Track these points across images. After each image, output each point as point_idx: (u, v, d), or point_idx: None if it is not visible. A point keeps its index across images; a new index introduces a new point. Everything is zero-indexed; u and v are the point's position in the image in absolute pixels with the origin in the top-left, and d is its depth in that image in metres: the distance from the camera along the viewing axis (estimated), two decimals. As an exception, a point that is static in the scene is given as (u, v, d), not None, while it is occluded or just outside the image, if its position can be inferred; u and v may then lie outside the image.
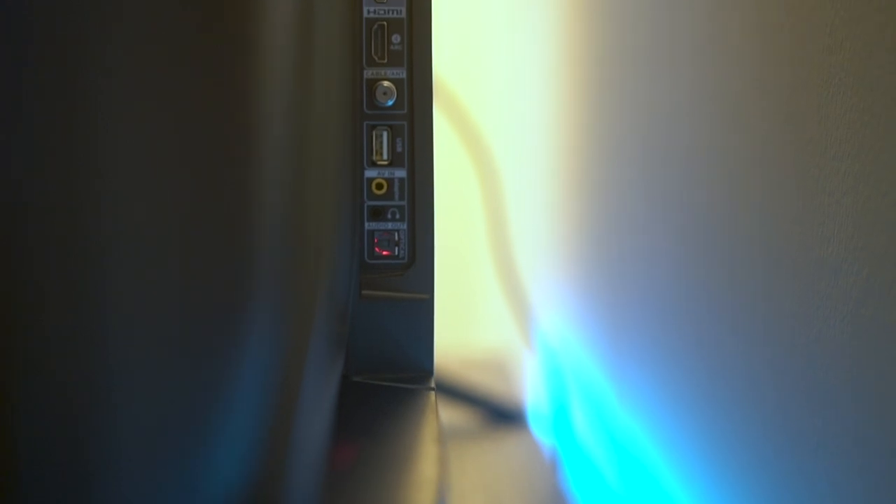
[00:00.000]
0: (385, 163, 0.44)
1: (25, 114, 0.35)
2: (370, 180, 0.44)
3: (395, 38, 0.43)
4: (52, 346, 0.34)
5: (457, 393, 0.78)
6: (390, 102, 0.43)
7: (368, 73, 0.43)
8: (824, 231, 0.35)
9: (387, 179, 0.44)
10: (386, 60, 0.43)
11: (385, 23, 0.43)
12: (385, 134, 0.44)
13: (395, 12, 0.43)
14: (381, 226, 0.44)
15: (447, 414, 0.78)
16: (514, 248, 0.87)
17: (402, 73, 0.43)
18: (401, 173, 0.44)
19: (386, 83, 0.43)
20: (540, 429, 0.79)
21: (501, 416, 0.79)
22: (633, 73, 0.58)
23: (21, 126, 0.35)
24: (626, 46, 0.60)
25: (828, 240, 0.35)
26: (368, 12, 0.43)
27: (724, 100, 0.43)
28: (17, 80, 0.34)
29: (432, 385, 0.43)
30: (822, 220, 0.35)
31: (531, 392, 0.85)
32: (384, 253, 0.44)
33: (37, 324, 0.34)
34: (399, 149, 0.44)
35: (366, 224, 0.44)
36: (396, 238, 0.44)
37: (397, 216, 0.44)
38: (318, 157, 0.42)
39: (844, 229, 0.33)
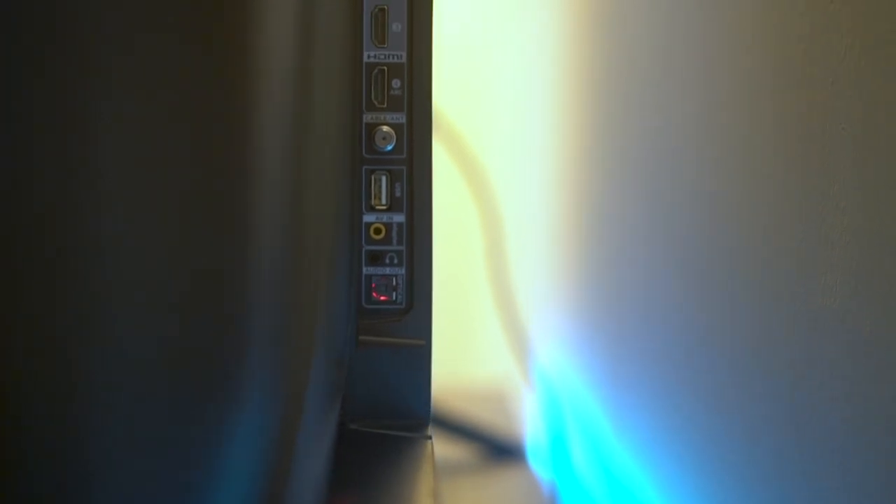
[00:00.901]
0: (384, 207, 0.44)
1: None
2: (368, 225, 0.44)
3: (396, 83, 0.43)
4: (44, 422, 0.33)
5: (455, 427, 0.78)
6: (389, 147, 0.43)
7: (368, 118, 0.43)
8: (827, 280, 0.35)
9: (385, 224, 0.44)
10: (385, 105, 0.43)
11: (385, 67, 0.43)
12: (384, 178, 0.44)
13: (395, 57, 0.43)
14: (379, 271, 0.44)
15: (444, 449, 0.78)
16: (513, 280, 0.86)
17: (401, 118, 0.43)
18: (399, 218, 0.44)
19: (385, 128, 0.43)
20: (538, 463, 0.79)
21: (499, 450, 0.79)
22: (635, 107, 0.58)
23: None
24: (628, 82, 0.60)
25: (830, 288, 0.35)
26: (369, 57, 0.43)
27: (730, 138, 0.43)
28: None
29: (429, 433, 0.42)
30: (824, 270, 0.35)
31: (530, 426, 0.85)
32: (382, 298, 0.44)
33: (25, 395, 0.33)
34: (398, 193, 0.44)
35: (363, 269, 0.44)
36: (394, 283, 0.44)
37: (395, 261, 0.44)
38: (315, 202, 0.42)
39: (847, 280, 0.33)
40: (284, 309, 0.41)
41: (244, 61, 0.39)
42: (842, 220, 0.33)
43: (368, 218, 0.44)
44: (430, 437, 0.42)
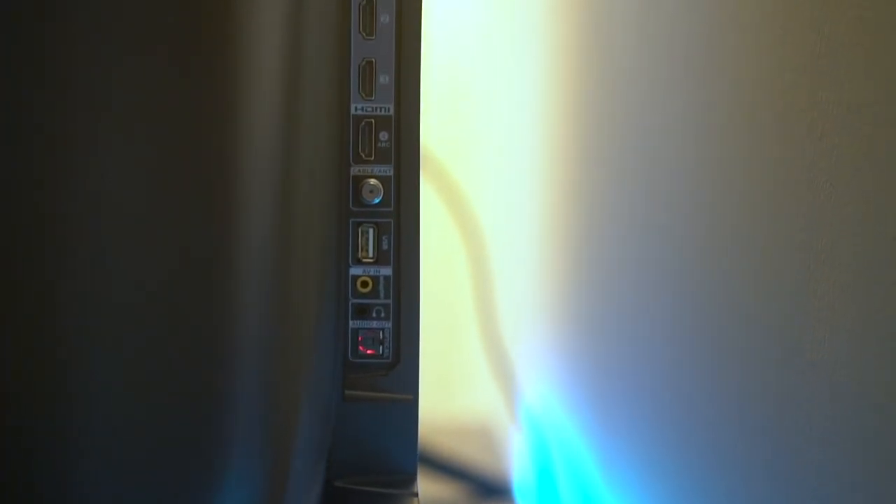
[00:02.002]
0: (370, 260, 0.43)
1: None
2: (355, 278, 0.43)
3: (383, 136, 0.43)
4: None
5: (442, 466, 0.77)
6: (377, 200, 0.43)
7: (355, 170, 0.43)
8: (816, 334, 0.35)
9: (372, 277, 0.43)
10: (373, 158, 0.43)
11: (373, 120, 0.43)
12: (371, 231, 0.43)
13: (383, 109, 0.43)
14: (366, 324, 0.44)
15: (431, 487, 0.78)
16: (499, 317, 0.86)
17: (389, 171, 0.43)
18: (386, 271, 0.43)
19: (373, 181, 0.43)
20: (526, 502, 0.78)
21: (487, 489, 0.78)
22: (623, 145, 0.58)
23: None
24: (617, 123, 0.60)
25: (820, 343, 0.34)
26: (356, 109, 0.43)
27: (720, 188, 0.43)
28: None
29: (415, 489, 0.42)
30: (813, 325, 0.35)
31: (517, 465, 0.84)
32: (368, 352, 0.44)
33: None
34: (385, 246, 0.43)
35: (350, 322, 0.43)
36: (381, 337, 0.44)
37: (382, 315, 0.44)
38: (302, 256, 0.42)
39: (838, 335, 0.33)
40: (271, 363, 0.40)
41: (233, 119, 0.39)
42: (829, 273, 0.33)
43: (355, 271, 0.43)
44: (416, 494, 0.41)
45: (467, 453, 0.83)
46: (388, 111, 0.43)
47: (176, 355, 0.39)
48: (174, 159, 0.38)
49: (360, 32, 0.42)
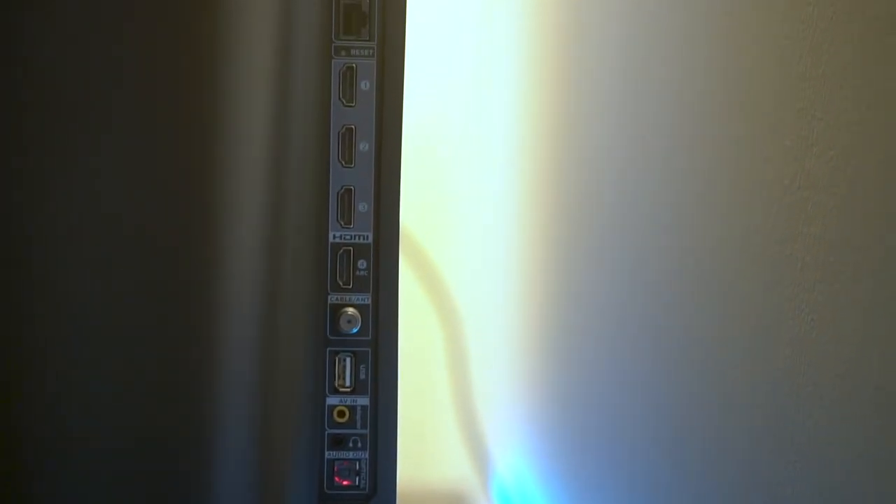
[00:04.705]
0: (347, 390, 0.43)
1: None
2: (332, 407, 0.43)
3: (361, 264, 0.42)
4: None
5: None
6: (355, 330, 0.42)
7: (333, 299, 0.42)
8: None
9: (349, 407, 0.43)
10: (351, 286, 0.42)
11: (351, 248, 0.42)
12: (348, 360, 0.43)
13: (361, 238, 0.42)
14: (342, 455, 0.43)
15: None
16: (474, 390, 0.86)
17: (366, 300, 0.42)
18: (363, 401, 0.43)
19: (350, 310, 0.42)
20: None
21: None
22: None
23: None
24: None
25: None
26: (334, 237, 0.42)
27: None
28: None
29: None
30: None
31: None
32: (345, 483, 0.43)
33: None
34: (362, 376, 0.43)
35: (326, 453, 0.43)
36: (357, 468, 0.43)
37: (359, 445, 0.43)
38: (278, 386, 0.41)
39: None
40: (245, 498, 0.39)
41: (213, 261, 0.38)
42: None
43: (332, 400, 0.43)
44: None
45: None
46: (367, 239, 0.42)
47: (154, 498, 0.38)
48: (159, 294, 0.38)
49: (339, 99, 0.42)
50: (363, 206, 0.42)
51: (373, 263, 0.42)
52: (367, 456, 0.43)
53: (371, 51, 0.41)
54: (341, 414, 0.43)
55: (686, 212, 0.44)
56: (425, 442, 1.03)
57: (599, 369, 0.58)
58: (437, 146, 1.01)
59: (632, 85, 0.49)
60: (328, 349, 0.42)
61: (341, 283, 0.42)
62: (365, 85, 0.42)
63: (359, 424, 0.43)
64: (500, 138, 0.87)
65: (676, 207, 0.45)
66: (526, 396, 0.78)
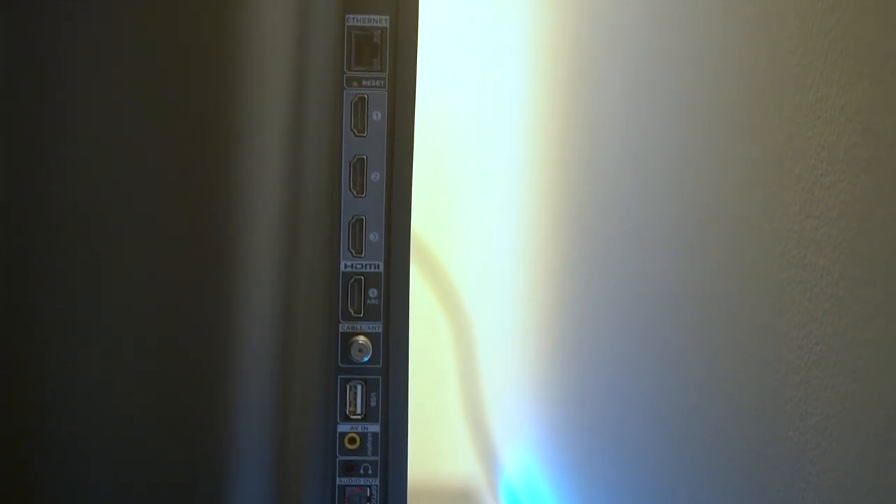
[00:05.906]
0: (359, 417, 0.43)
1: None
2: (343, 434, 0.43)
3: (372, 293, 0.43)
4: None
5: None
6: (366, 359, 0.43)
7: (344, 327, 0.43)
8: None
9: (360, 434, 0.43)
10: (362, 315, 0.43)
11: (362, 277, 0.43)
12: (359, 388, 0.43)
13: (372, 266, 0.43)
14: (354, 481, 0.43)
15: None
16: (482, 389, 0.86)
17: (377, 328, 0.43)
18: (374, 428, 0.43)
19: (361, 339, 0.42)
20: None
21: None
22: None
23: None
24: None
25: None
26: (345, 266, 0.42)
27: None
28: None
29: None
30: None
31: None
32: (356, 509, 0.43)
33: None
34: (373, 403, 0.43)
35: (337, 479, 0.43)
36: (368, 493, 0.43)
37: (370, 472, 0.43)
38: (291, 413, 0.41)
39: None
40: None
41: (225, 291, 0.38)
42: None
43: (343, 427, 0.43)
44: None
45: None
46: (378, 268, 0.43)
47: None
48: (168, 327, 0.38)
49: (351, 129, 0.42)
50: (374, 236, 0.42)
51: (384, 292, 0.43)
52: (377, 482, 0.43)
53: (383, 81, 0.42)
54: (352, 441, 0.43)
55: (693, 225, 0.44)
56: (434, 439, 1.04)
57: (606, 369, 0.58)
58: (444, 149, 1.01)
59: (643, 95, 0.49)
60: (339, 377, 0.43)
61: (352, 312, 0.43)
62: (376, 115, 0.42)
63: (370, 451, 0.43)
64: (509, 142, 0.87)
65: (683, 219, 0.45)
66: (533, 395, 0.78)
